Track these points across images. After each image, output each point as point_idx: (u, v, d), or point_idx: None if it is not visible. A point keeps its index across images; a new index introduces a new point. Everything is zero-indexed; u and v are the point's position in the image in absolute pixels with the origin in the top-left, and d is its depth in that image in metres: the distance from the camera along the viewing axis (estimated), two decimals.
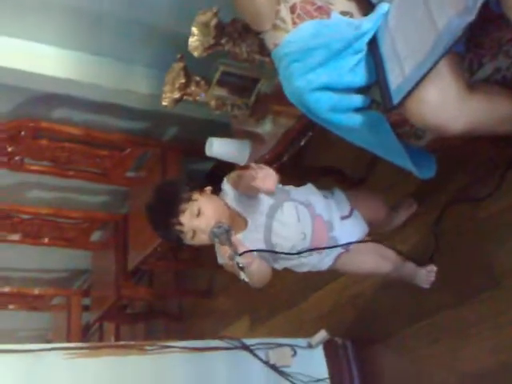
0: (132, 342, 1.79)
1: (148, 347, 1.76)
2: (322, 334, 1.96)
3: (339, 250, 1.58)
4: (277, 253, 1.51)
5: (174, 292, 3.28)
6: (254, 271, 1.42)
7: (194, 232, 1.43)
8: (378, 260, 1.67)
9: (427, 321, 1.79)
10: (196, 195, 1.46)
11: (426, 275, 1.76)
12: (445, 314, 1.73)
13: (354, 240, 1.59)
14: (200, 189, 1.50)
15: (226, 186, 1.53)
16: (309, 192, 1.63)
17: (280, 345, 1.90)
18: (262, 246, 1.50)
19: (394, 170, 1.84)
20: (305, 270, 1.64)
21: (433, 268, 1.75)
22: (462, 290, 1.69)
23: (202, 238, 1.44)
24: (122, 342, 1.79)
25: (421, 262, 1.77)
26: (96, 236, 3.37)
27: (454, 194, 1.77)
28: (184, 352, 1.78)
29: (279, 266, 1.59)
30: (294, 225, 1.53)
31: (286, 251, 1.50)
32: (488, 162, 1.67)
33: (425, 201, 1.87)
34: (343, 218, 1.62)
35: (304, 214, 1.55)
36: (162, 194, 1.51)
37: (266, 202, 1.52)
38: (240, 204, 1.51)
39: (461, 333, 1.68)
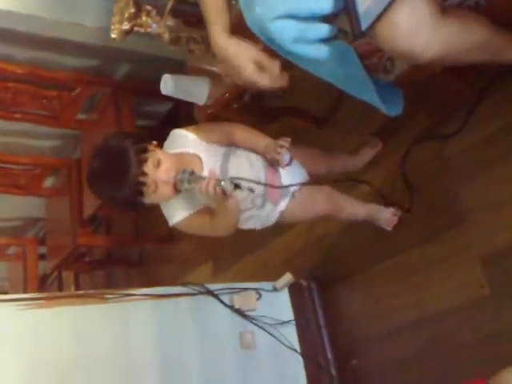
0: (91, 291, 1.73)
1: (108, 295, 1.69)
2: (287, 277, 1.93)
3: (289, 197, 1.58)
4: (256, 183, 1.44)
5: (133, 238, 3.18)
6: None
7: (157, 185, 1.35)
8: (327, 201, 1.67)
9: (393, 260, 1.77)
10: (151, 147, 1.39)
11: (390, 218, 1.74)
12: (410, 252, 1.72)
13: (297, 186, 1.59)
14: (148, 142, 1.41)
15: (184, 131, 1.50)
16: None
17: (244, 289, 1.87)
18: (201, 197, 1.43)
19: (358, 109, 1.80)
20: (250, 225, 1.61)
21: (397, 211, 1.72)
22: (428, 229, 1.67)
23: (165, 191, 1.37)
24: (80, 292, 1.72)
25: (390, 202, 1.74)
26: (49, 182, 3.23)
27: (421, 131, 1.72)
28: (146, 299, 1.72)
29: None
30: (248, 169, 1.50)
31: (241, 198, 1.44)
32: (455, 98, 1.61)
33: (391, 140, 1.82)
34: (285, 165, 1.58)
35: (255, 160, 1.53)
36: (110, 150, 1.40)
37: (220, 149, 1.51)
38: (197, 149, 1.48)
39: (425, 271, 1.67)
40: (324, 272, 2.03)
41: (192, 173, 1.35)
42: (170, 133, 1.54)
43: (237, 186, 1.32)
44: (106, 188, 1.38)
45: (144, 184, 1.33)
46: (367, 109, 1.40)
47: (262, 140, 1.53)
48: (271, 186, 1.53)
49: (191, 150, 1.48)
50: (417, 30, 1.08)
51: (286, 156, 1.49)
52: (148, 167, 1.34)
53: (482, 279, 1.52)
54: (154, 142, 1.43)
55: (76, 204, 2.82)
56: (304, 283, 2.02)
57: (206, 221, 1.45)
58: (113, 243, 3.11)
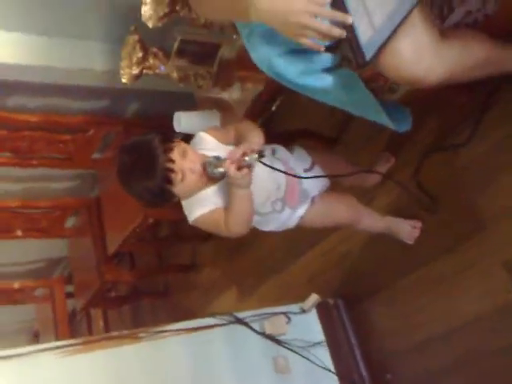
0: (125, 332, 1.74)
1: (141, 334, 1.72)
2: (314, 298, 1.95)
3: (308, 203, 1.60)
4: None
5: (157, 270, 3.22)
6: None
7: (184, 173, 1.38)
8: (348, 210, 1.70)
9: (417, 272, 1.78)
10: (176, 139, 1.42)
11: (411, 230, 1.75)
12: (433, 264, 1.72)
13: (317, 191, 1.61)
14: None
15: (205, 135, 1.51)
16: (276, 147, 1.63)
17: (273, 314, 1.88)
18: None
19: (366, 127, 1.82)
20: (270, 228, 1.62)
21: (417, 223, 1.74)
22: (449, 238, 1.68)
23: (192, 180, 1.39)
24: (113, 333, 1.74)
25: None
26: (70, 222, 3.28)
27: (430, 144, 1.74)
28: (178, 334, 1.74)
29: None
30: (268, 174, 1.49)
31: (261, 201, 1.49)
32: (461, 109, 1.63)
33: (401, 154, 1.84)
34: (306, 170, 1.62)
35: (277, 164, 1.53)
36: (136, 144, 1.41)
37: None
38: (217, 151, 1.47)
39: (450, 281, 1.68)
40: (349, 289, 2.04)
41: (217, 157, 1.38)
42: (195, 135, 1.56)
43: (261, 156, 1.33)
44: (137, 179, 1.37)
45: (172, 171, 1.35)
46: (375, 125, 1.43)
47: (250, 137, 1.45)
48: (290, 174, 1.53)
49: (212, 152, 1.46)
50: (419, 56, 1.12)
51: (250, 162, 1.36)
52: (174, 155, 1.37)
53: (508, 284, 1.53)
54: (179, 138, 1.46)
55: (99, 241, 2.86)
56: (331, 302, 2.03)
57: (221, 218, 1.45)
58: (138, 276, 3.13)
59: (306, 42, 1.13)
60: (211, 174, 1.39)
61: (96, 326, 3.77)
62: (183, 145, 1.42)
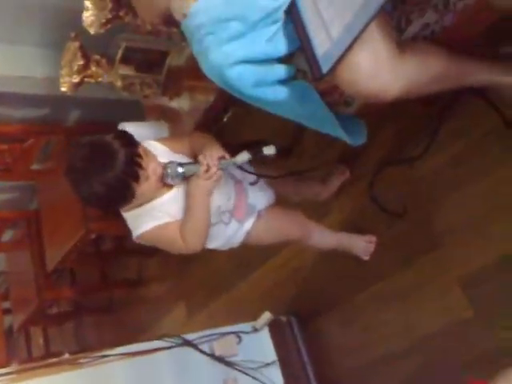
0: (65, 356, 1.63)
1: (82, 360, 1.60)
2: (266, 316, 1.88)
3: (255, 217, 1.55)
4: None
5: (100, 286, 3.08)
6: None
7: (148, 173, 1.30)
8: (295, 225, 1.65)
9: (373, 288, 1.75)
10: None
11: (366, 246, 1.72)
12: (390, 279, 1.69)
13: (264, 206, 1.56)
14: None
15: (154, 143, 1.43)
16: None
17: (223, 334, 1.80)
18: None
19: (320, 138, 1.77)
20: (216, 244, 1.54)
21: (372, 238, 1.71)
22: (405, 253, 1.65)
23: (153, 180, 1.32)
24: (53, 360, 1.61)
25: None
26: (8, 235, 3.10)
27: (386, 155, 1.71)
28: (122, 358, 1.64)
29: None
30: (223, 184, 1.44)
31: (211, 212, 1.41)
32: (417, 121, 1.61)
33: (356, 166, 1.80)
34: (251, 184, 1.56)
35: (225, 176, 1.45)
36: (95, 140, 1.30)
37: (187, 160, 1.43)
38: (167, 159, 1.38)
39: (407, 297, 1.65)
40: (303, 305, 1.99)
41: (180, 164, 1.33)
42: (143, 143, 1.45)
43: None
44: (97, 172, 1.24)
45: (140, 166, 1.27)
46: (328, 137, 1.38)
47: (209, 145, 1.40)
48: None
49: (162, 160, 1.38)
50: (377, 70, 1.07)
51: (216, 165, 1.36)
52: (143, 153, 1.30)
53: (463, 301, 1.51)
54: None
55: (38, 257, 2.73)
56: (284, 319, 1.98)
57: (176, 232, 1.37)
58: (80, 293, 3.00)
59: None
60: (173, 176, 1.31)
61: (35, 343, 3.60)
62: (143, 145, 1.34)
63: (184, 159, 1.44)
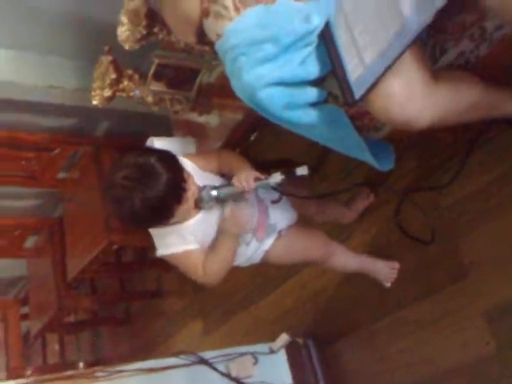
0: (81, 370, 1.63)
1: (98, 373, 1.60)
2: (284, 338, 1.86)
3: (275, 236, 1.54)
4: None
5: (119, 297, 3.09)
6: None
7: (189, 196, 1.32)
8: (316, 246, 1.63)
9: (393, 315, 1.72)
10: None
11: (388, 272, 1.69)
12: (412, 307, 1.67)
13: (285, 225, 1.55)
14: None
15: (183, 159, 1.42)
16: None
17: (240, 354, 1.79)
18: (214, 224, 1.41)
19: (346, 160, 1.77)
20: (236, 263, 1.53)
21: (395, 265, 1.68)
22: (428, 282, 1.63)
23: (191, 203, 1.33)
24: (68, 373, 1.61)
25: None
26: (31, 242, 3.13)
27: (413, 181, 1.69)
28: (138, 374, 1.63)
29: None
30: (245, 203, 1.42)
31: None
32: (446, 149, 1.59)
33: (382, 190, 1.79)
34: (273, 202, 1.54)
35: (251, 195, 1.45)
36: (140, 160, 1.29)
37: (214, 178, 1.46)
38: (199, 180, 1.39)
39: (429, 327, 1.62)
40: (321, 329, 1.96)
41: (214, 187, 1.34)
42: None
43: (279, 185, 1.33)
44: (141, 189, 1.24)
45: (185, 190, 1.29)
46: (355, 159, 1.37)
47: (241, 166, 1.43)
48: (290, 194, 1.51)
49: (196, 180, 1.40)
50: (410, 98, 1.06)
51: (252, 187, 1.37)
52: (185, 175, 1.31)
53: (486, 335, 1.48)
54: None
55: (59, 265, 2.74)
56: (300, 341, 1.95)
57: (200, 261, 1.39)
58: (99, 303, 3.00)
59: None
60: (208, 199, 1.33)
61: (51, 350, 3.61)
62: (186, 169, 1.35)
63: (212, 178, 1.44)
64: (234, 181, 1.34)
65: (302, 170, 1.33)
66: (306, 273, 2.02)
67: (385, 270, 1.70)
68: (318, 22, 1.15)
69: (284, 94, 1.20)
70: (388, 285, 1.70)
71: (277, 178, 1.33)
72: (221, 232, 1.39)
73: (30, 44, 2.08)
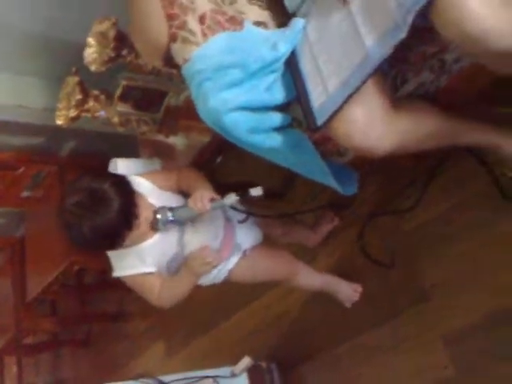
0: None
1: None
2: (246, 361, 1.84)
3: (240, 255, 1.55)
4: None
5: (80, 318, 3.03)
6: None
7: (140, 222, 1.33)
8: (281, 265, 1.65)
9: (355, 339, 1.73)
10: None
11: (351, 294, 1.71)
12: (372, 332, 1.68)
13: (250, 245, 1.57)
14: None
15: (140, 179, 1.43)
16: None
17: (201, 377, 1.76)
18: (174, 244, 1.42)
19: (312, 183, 1.78)
20: (199, 282, 1.53)
21: (358, 288, 1.70)
22: (390, 306, 1.64)
23: (144, 229, 1.34)
24: None
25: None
26: None
27: (376, 205, 1.72)
28: None
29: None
30: (207, 222, 1.45)
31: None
32: (407, 174, 1.63)
33: (346, 214, 1.81)
34: (240, 222, 1.56)
35: (216, 213, 1.48)
36: (93, 184, 1.30)
37: (173, 196, 1.46)
38: (157, 200, 1.40)
39: (390, 351, 1.63)
40: (284, 352, 1.96)
41: (170, 208, 1.34)
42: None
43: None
44: (91, 217, 1.25)
45: (136, 217, 1.29)
46: (320, 183, 1.39)
47: (199, 186, 1.42)
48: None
49: (151, 200, 1.41)
50: (371, 125, 1.09)
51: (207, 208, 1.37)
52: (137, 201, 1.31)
53: (445, 359, 1.49)
54: None
55: (18, 285, 2.69)
56: (263, 365, 1.94)
57: (155, 286, 1.41)
58: (59, 324, 2.93)
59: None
60: (163, 221, 1.33)
61: (9, 372, 3.50)
62: (138, 193, 1.36)
63: (171, 197, 1.44)
64: (190, 202, 1.35)
65: (256, 191, 1.35)
66: (269, 294, 2.02)
67: (348, 292, 1.72)
68: (284, 50, 1.18)
69: (249, 119, 1.22)
70: (348, 305, 1.72)
71: (231, 198, 1.34)
72: (186, 266, 1.40)
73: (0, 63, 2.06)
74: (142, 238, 1.37)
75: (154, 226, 1.34)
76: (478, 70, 1.15)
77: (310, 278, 1.72)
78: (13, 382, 3.47)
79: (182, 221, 1.37)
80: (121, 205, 1.27)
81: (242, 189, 1.96)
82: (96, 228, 1.25)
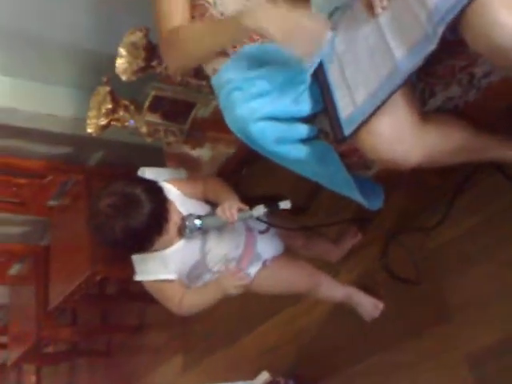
0: None
1: None
2: (264, 376, 1.84)
3: (259, 265, 1.55)
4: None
5: (100, 329, 3.04)
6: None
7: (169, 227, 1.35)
8: (301, 276, 1.63)
9: (375, 358, 1.69)
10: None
11: (372, 309, 1.69)
12: (394, 349, 1.64)
13: (270, 256, 1.57)
14: None
15: (168, 185, 1.43)
16: None
17: None
18: (196, 252, 1.43)
19: (336, 197, 1.78)
20: None
21: (380, 304, 1.68)
22: (412, 324, 1.61)
23: (172, 233, 1.36)
24: None
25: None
26: (15, 269, 3.09)
27: (401, 222, 1.71)
28: None
29: (197, 283, 1.49)
30: (230, 231, 1.46)
31: (217, 259, 1.45)
32: (434, 190, 1.62)
33: (370, 229, 1.80)
34: (261, 232, 1.56)
35: (238, 223, 1.46)
36: (126, 190, 1.32)
37: (197, 204, 1.47)
38: (183, 207, 1.42)
39: (411, 370, 1.60)
40: (302, 369, 1.93)
41: (198, 216, 1.36)
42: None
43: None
44: (124, 218, 1.27)
45: (167, 220, 1.31)
46: (344, 198, 1.39)
47: (226, 196, 1.44)
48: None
49: (179, 207, 1.42)
50: (399, 138, 1.09)
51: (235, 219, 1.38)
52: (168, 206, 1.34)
53: (468, 380, 1.46)
54: None
55: (41, 293, 2.69)
56: (282, 381, 1.92)
57: (177, 294, 1.42)
58: (79, 335, 2.94)
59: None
60: (191, 229, 1.35)
61: (27, 380, 3.53)
62: (170, 200, 1.38)
63: (196, 205, 1.46)
64: (218, 211, 1.36)
65: (284, 204, 1.36)
66: (290, 310, 2.00)
67: (369, 307, 1.69)
68: (312, 62, 1.19)
69: (275, 129, 1.23)
70: (367, 320, 1.69)
71: (260, 210, 1.35)
72: (217, 283, 1.43)
73: (33, 73, 2.12)
74: (168, 245, 1.38)
75: (182, 233, 1.36)
76: (508, 84, 1.15)
77: (333, 290, 1.70)
78: None
79: (207, 229, 1.38)
80: (153, 208, 1.29)
81: (265, 201, 1.97)
82: (128, 229, 1.27)
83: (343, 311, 1.74)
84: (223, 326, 2.32)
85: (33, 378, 3.49)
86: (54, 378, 3.55)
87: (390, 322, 1.67)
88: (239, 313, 2.22)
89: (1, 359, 3.29)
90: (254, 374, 1.90)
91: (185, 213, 1.38)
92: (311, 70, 1.22)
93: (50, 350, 3.36)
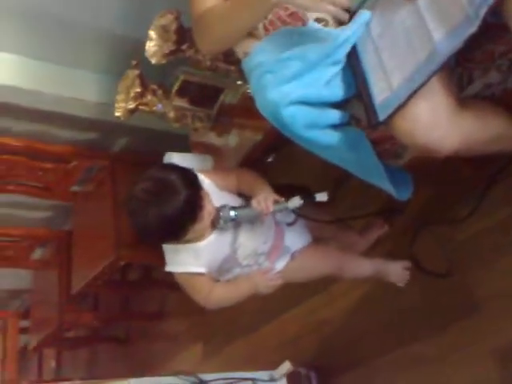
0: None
1: None
2: (286, 366, 1.82)
3: (288, 258, 1.54)
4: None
5: (121, 315, 3.05)
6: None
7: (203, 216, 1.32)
8: (330, 262, 1.62)
9: (398, 351, 1.67)
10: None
11: (401, 272, 1.65)
12: (417, 344, 1.62)
13: (299, 247, 1.56)
14: None
15: (202, 176, 1.41)
16: None
17: (240, 379, 1.75)
18: (227, 246, 1.42)
19: (363, 187, 1.76)
20: None
21: (408, 264, 1.64)
22: (440, 316, 1.59)
23: (206, 222, 1.33)
24: None
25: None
26: (37, 254, 3.12)
27: (429, 214, 1.68)
28: None
29: (226, 276, 1.48)
30: (260, 226, 1.44)
31: (247, 253, 1.45)
32: (465, 181, 1.59)
33: (397, 221, 1.77)
34: (289, 224, 1.54)
35: (269, 218, 1.46)
36: (163, 175, 1.31)
37: (229, 196, 1.45)
38: (216, 198, 1.39)
39: (436, 363, 1.57)
40: (324, 361, 1.92)
41: (233, 207, 1.34)
42: None
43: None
44: (157, 202, 1.25)
45: (201, 208, 1.29)
46: (373, 187, 1.37)
47: (261, 187, 1.43)
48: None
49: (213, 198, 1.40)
50: (435, 123, 1.07)
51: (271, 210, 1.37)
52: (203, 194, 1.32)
53: (494, 374, 1.44)
54: None
55: (64, 278, 2.72)
56: (303, 372, 1.91)
57: (206, 287, 1.41)
58: (100, 320, 2.96)
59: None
60: (225, 219, 1.33)
61: (47, 365, 3.57)
62: (204, 188, 1.36)
63: (228, 197, 1.45)
64: (254, 202, 1.34)
65: (321, 196, 1.34)
66: (313, 300, 1.99)
67: (398, 271, 1.66)
68: (345, 37, 1.16)
69: (307, 114, 1.21)
70: (401, 285, 1.66)
71: (296, 202, 1.33)
72: (249, 280, 1.44)
73: (58, 56, 2.13)
74: (200, 237, 1.36)
75: (215, 223, 1.34)
76: None
77: (360, 266, 1.67)
78: (50, 374, 3.54)
79: (241, 221, 1.37)
80: (187, 195, 1.26)
81: (300, 193, 1.96)
82: (162, 215, 1.25)
83: (365, 303, 1.72)
84: (244, 316, 2.31)
85: (53, 363, 3.54)
86: (73, 363, 3.59)
87: (414, 314, 1.65)
88: (260, 303, 2.19)
89: (22, 343, 3.32)
90: (273, 365, 1.88)
91: (218, 204, 1.36)
92: (345, 49, 1.18)
93: (70, 335, 3.40)
